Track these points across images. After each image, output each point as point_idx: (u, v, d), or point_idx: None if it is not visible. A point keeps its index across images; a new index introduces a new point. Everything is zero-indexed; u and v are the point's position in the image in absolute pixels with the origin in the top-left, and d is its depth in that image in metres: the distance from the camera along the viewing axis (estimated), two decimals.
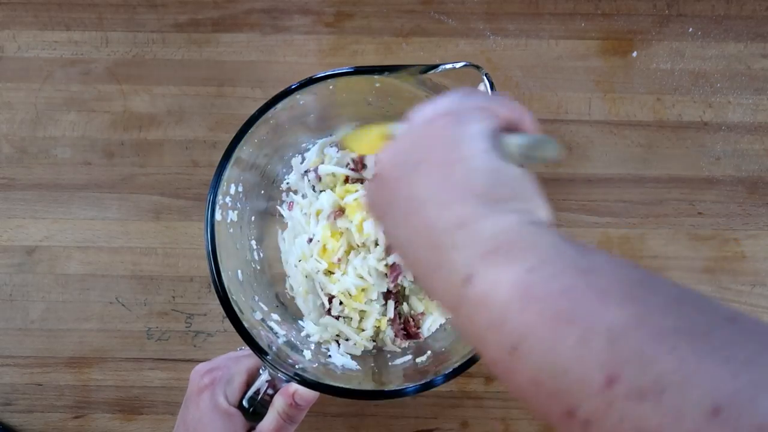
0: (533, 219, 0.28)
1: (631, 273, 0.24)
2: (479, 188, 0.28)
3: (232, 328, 0.44)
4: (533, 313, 0.24)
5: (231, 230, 0.49)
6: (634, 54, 0.63)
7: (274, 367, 0.43)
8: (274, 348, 0.46)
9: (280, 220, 0.56)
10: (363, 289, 0.51)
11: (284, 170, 0.56)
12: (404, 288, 0.54)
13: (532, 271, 0.25)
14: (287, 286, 0.55)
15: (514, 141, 0.30)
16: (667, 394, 0.20)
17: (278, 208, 0.56)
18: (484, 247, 0.26)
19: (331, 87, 0.47)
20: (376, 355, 0.53)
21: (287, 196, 0.57)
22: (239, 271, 0.49)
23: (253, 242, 0.54)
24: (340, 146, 0.55)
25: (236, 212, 0.50)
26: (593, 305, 0.23)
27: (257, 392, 0.47)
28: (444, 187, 0.29)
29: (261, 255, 0.55)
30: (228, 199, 0.48)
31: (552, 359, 0.23)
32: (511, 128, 0.32)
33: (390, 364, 0.52)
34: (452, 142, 0.30)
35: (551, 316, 0.23)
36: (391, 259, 0.51)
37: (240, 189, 0.49)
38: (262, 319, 0.49)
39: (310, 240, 0.53)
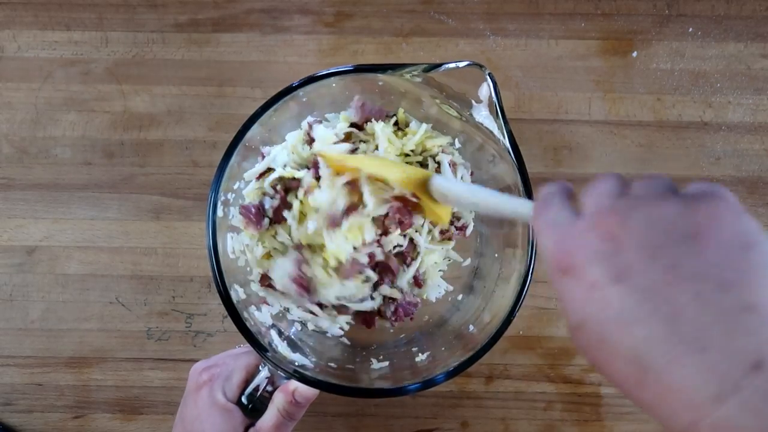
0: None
1: None
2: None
3: (232, 328, 0.44)
4: None
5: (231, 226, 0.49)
6: (634, 54, 0.63)
7: (274, 364, 0.43)
8: (273, 345, 0.46)
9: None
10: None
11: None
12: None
13: None
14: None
15: None
16: None
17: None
18: None
19: (334, 85, 0.47)
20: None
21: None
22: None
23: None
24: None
25: (237, 209, 0.50)
26: None
27: (256, 389, 0.47)
28: (704, 327, 0.22)
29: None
30: (230, 195, 0.48)
31: None
32: None
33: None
34: (743, 243, 0.23)
35: None
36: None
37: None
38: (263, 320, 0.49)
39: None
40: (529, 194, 0.45)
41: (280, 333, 0.49)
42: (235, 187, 0.49)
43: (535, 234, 0.31)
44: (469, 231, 0.54)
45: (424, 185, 0.43)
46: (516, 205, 0.35)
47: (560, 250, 0.27)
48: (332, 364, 0.50)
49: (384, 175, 0.44)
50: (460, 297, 0.55)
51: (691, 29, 0.64)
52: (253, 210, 0.49)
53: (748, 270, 0.23)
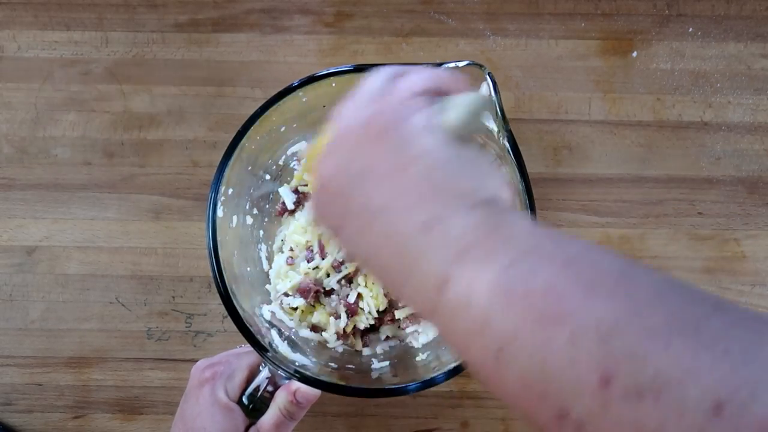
0: (501, 206, 0.26)
1: (613, 263, 0.23)
2: (439, 185, 0.26)
3: (232, 328, 0.45)
4: (517, 313, 0.22)
5: (232, 226, 0.49)
6: (634, 54, 0.63)
7: (275, 364, 0.43)
8: (274, 345, 0.46)
9: (279, 219, 0.56)
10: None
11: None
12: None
13: (510, 268, 0.23)
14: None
15: (453, 117, 0.28)
16: (666, 393, 0.19)
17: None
18: (456, 248, 0.25)
19: (334, 85, 0.47)
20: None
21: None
22: (239, 268, 0.49)
23: (255, 239, 0.54)
24: (305, 170, 0.52)
25: (237, 209, 0.50)
26: (580, 301, 0.22)
27: (257, 389, 0.47)
28: (400, 191, 0.27)
29: (261, 252, 0.55)
30: (230, 193, 0.48)
31: (541, 361, 0.22)
32: (440, 95, 0.30)
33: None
34: (399, 143, 0.28)
35: (537, 315, 0.22)
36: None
37: (241, 186, 0.50)
38: (262, 317, 0.49)
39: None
40: (529, 194, 0.45)
41: (280, 333, 0.49)
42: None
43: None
44: None
45: None
46: None
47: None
48: (332, 364, 0.50)
49: None
50: None
51: (691, 29, 0.64)
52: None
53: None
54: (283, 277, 0.52)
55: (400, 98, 0.29)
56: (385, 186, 0.27)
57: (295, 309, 0.51)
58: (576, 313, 0.22)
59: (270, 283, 0.54)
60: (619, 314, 0.21)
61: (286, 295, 0.51)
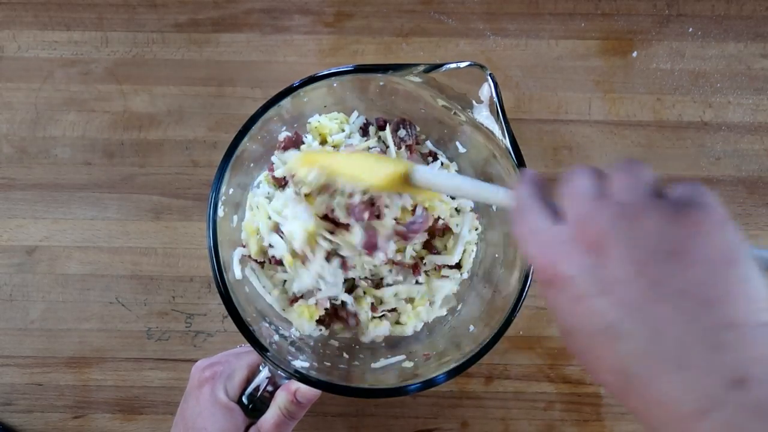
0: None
1: None
2: (754, 294, 0.23)
3: (232, 328, 0.44)
4: None
5: (232, 226, 0.49)
6: (634, 54, 0.63)
7: (275, 364, 0.43)
8: (274, 345, 0.46)
9: None
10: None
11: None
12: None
13: None
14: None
15: (761, 255, 0.24)
16: None
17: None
18: (761, 351, 0.22)
19: (335, 85, 0.47)
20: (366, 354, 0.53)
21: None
22: (239, 268, 0.49)
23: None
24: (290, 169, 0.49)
25: (237, 208, 0.50)
26: None
27: (257, 389, 0.47)
28: (715, 282, 0.23)
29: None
30: (231, 193, 0.48)
31: None
32: None
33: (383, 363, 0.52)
34: (727, 241, 0.23)
35: None
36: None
37: (242, 186, 0.49)
38: (263, 316, 0.49)
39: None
40: None
41: (279, 332, 0.49)
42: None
43: (518, 242, 0.30)
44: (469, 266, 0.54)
45: (407, 178, 0.41)
46: (494, 192, 0.36)
47: (544, 260, 0.27)
48: (331, 364, 0.50)
49: (361, 179, 0.43)
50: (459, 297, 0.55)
51: (691, 29, 0.64)
52: None
53: (731, 287, 0.23)
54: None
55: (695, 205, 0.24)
56: (702, 273, 0.23)
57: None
58: None
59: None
60: None
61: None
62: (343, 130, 0.52)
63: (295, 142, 0.51)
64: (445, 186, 0.40)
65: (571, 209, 0.27)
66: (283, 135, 0.51)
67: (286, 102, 0.46)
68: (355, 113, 0.53)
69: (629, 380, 0.23)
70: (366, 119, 0.53)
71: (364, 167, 0.43)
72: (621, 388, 0.24)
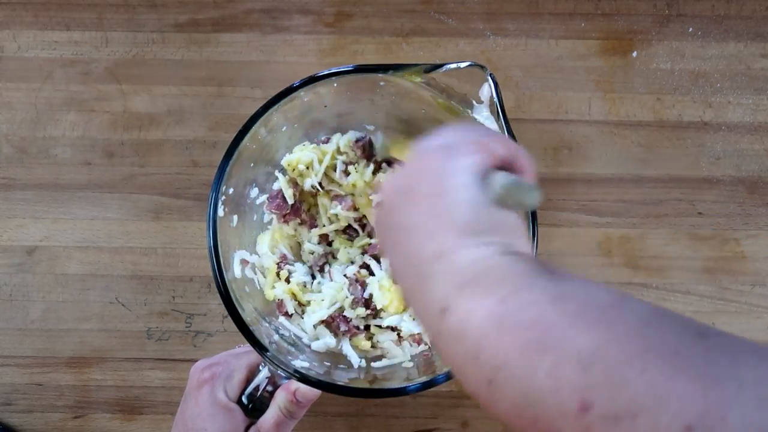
0: (510, 250, 0.28)
1: (602, 297, 0.25)
2: (459, 220, 0.29)
3: (232, 328, 0.44)
4: (506, 343, 0.24)
5: (232, 226, 0.49)
6: (634, 54, 0.63)
7: (274, 364, 0.43)
8: (274, 345, 0.46)
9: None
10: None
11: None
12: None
13: (504, 302, 0.25)
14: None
15: (497, 181, 0.30)
16: (641, 418, 0.20)
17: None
18: (460, 278, 0.27)
19: (335, 85, 0.47)
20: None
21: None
22: (239, 268, 0.49)
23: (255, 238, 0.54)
24: (384, 153, 0.53)
25: (237, 208, 0.50)
26: (564, 332, 0.23)
27: (256, 389, 0.47)
28: (429, 217, 0.29)
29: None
30: (231, 193, 0.48)
31: (528, 388, 0.23)
32: (505, 168, 0.32)
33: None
34: (440, 174, 0.30)
35: (523, 345, 0.24)
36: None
37: (241, 186, 0.49)
38: (263, 316, 0.49)
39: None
40: None
41: (279, 332, 0.49)
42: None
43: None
44: None
45: None
46: None
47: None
48: (331, 363, 0.50)
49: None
50: None
51: (691, 29, 0.64)
52: None
53: (440, 219, 0.30)
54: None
55: (467, 141, 0.31)
56: (419, 208, 0.30)
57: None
58: (559, 343, 0.23)
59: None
60: (599, 343, 0.22)
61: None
62: (320, 162, 0.52)
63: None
64: None
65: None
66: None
67: (285, 102, 0.46)
68: (339, 136, 0.53)
69: (406, 226, 0.30)
70: (360, 136, 0.53)
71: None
72: (401, 234, 0.31)
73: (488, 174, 0.31)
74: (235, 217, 0.50)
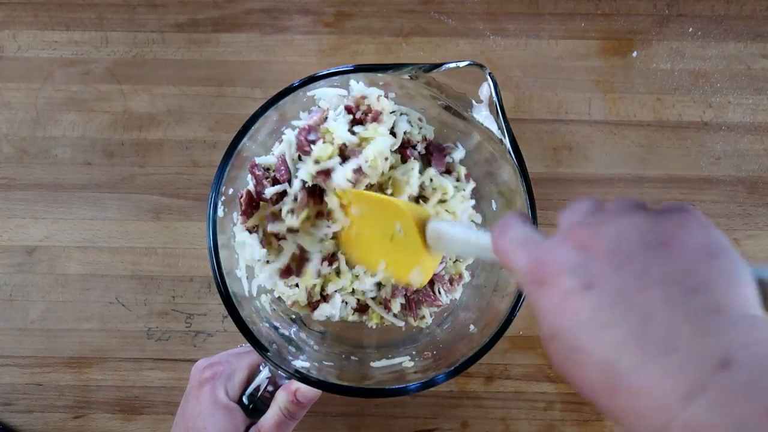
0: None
1: None
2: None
3: (232, 328, 0.44)
4: None
5: (232, 225, 0.49)
6: (634, 54, 0.63)
7: (275, 364, 0.43)
8: (274, 345, 0.46)
9: None
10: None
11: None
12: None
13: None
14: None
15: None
16: None
17: None
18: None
19: (336, 84, 0.47)
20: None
21: None
22: (239, 268, 0.49)
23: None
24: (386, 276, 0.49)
25: (237, 208, 0.50)
26: None
27: (257, 389, 0.47)
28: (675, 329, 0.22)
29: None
30: (231, 193, 0.48)
31: None
32: None
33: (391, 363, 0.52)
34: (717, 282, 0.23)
35: None
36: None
37: (242, 186, 0.49)
38: (263, 317, 0.49)
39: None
40: (530, 194, 0.45)
41: (278, 330, 0.49)
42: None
43: (501, 255, 0.31)
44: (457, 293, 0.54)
45: (423, 224, 0.41)
46: None
47: (534, 262, 0.27)
48: (332, 363, 0.50)
49: (390, 200, 0.44)
50: (460, 297, 0.55)
51: (691, 29, 0.64)
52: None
53: (716, 276, 0.23)
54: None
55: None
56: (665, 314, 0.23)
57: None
58: None
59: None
60: None
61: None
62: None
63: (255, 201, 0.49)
64: (460, 243, 0.38)
65: (566, 221, 0.28)
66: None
67: (285, 102, 0.46)
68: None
69: (614, 372, 0.23)
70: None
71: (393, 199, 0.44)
72: (605, 384, 0.23)
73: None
74: (235, 214, 0.50)
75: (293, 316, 0.52)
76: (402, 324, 0.53)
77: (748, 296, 0.23)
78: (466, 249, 0.38)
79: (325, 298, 0.50)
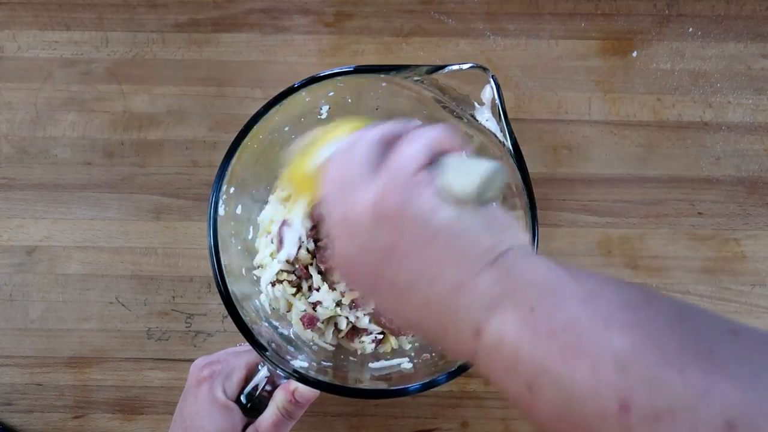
0: (521, 252, 0.28)
1: (631, 295, 0.25)
2: (460, 252, 0.28)
3: (232, 328, 0.44)
4: (543, 349, 0.25)
5: (232, 223, 0.49)
6: (634, 54, 0.63)
7: (273, 363, 0.43)
8: (273, 345, 0.46)
9: None
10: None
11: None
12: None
13: (534, 310, 0.26)
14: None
15: (467, 188, 0.29)
16: (681, 416, 0.21)
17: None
18: (485, 300, 0.27)
19: (340, 84, 0.47)
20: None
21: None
22: (239, 268, 0.49)
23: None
24: (284, 182, 0.50)
25: (239, 207, 0.50)
26: (599, 334, 0.24)
27: (255, 388, 0.47)
28: (427, 263, 0.29)
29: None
30: (231, 192, 0.48)
31: (567, 392, 0.24)
32: (442, 153, 0.31)
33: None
34: (415, 219, 0.29)
35: (560, 350, 0.24)
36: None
37: (241, 186, 0.49)
38: (263, 316, 0.49)
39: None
40: (530, 194, 0.45)
41: (277, 330, 0.49)
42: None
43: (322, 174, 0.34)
44: None
45: None
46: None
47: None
48: (330, 364, 0.50)
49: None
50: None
51: (691, 29, 0.64)
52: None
53: (442, 262, 0.29)
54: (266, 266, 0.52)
55: (405, 173, 0.30)
56: (413, 260, 0.29)
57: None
58: (595, 346, 0.23)
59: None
60: (635, 344, 0.23)
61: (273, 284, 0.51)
62: None
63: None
64: None
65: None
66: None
67: (286, 102, 0.46)
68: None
69: (433, 230, 0.29)
70: None
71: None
72: (422, 239, 0.29)
73: (440, 173, 0.29)
74: (237, 210, 0.50)
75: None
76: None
77: (475, 250, 0.29)
78: None
79: None
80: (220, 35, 0.63)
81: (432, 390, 0.44)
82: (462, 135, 0.32)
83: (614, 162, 0.62)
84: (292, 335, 0.50)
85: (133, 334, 0.60)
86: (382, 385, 0.47)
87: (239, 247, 0.51)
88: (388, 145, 0.32)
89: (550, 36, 0.64)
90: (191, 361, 0.51)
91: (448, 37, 0.63)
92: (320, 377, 0.44)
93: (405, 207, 0.29)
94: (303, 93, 0.46)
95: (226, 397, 0.46)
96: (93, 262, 0.60)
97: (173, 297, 0.60)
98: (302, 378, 0.43)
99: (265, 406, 0.46)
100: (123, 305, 0.60)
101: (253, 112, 0.46)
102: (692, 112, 0.63)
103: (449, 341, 0.29)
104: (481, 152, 0.51)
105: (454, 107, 0.47)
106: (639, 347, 0.22)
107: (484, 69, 0.44)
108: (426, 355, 0.50)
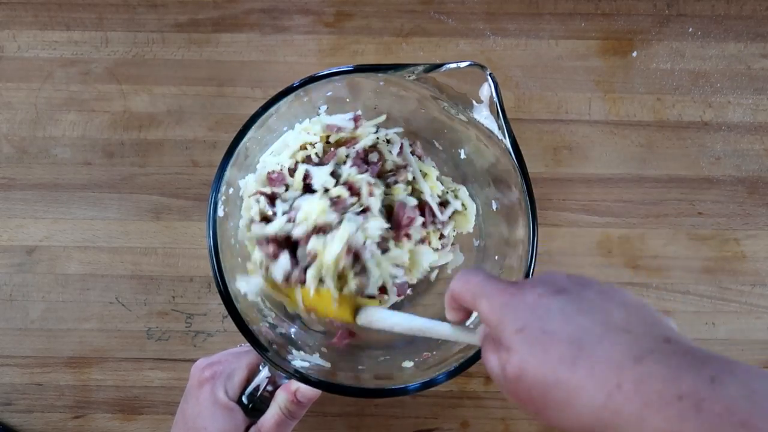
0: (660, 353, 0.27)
1: None
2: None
3: (232, 328, 0.44)
4: None
5: (231, 224, 0.49)
6: (634, 54, 0.64)
7: (274, 364, 0.43)
8: (274, 345, 0.46)
9: None
10: None
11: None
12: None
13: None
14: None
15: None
16: None
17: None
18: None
19: (338, 84, 0.47)
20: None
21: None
22: (239, 267, 0.49)
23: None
24: (305, 310, 0.50)
25: (237, 208, 0.50)
26: None
27: (257, 388, 0.47)
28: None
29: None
30: (231, 193, 0.48)
31: None
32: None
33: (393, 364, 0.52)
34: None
35: None
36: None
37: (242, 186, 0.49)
38: (263, 316, 0.49)
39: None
40: (530, 195, 0.45)
41: (277, 330, 0.49)
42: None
43: (464, 295, 0.35)
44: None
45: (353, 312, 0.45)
46: (444, 330, 0.39)
47: (505, 285, 0.32)
48: (330, 364, 0.50)
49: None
50: None
51: (691, 29, 0.64)
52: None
53: (655, 318, 0.30)
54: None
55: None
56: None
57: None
58: None
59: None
60: None
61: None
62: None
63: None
64: (392, 325, 0.43)
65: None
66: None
67: (285, 102, 0.46)
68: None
69: (580, 345, 0.28)
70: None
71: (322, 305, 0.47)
72: (570, 356, 0.28)
73: None
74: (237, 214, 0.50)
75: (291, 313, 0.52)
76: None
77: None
78: (414, 332, 0.42)
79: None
80: (220, 35, 0.63)
81: (432, 390, 0.44)
82: None
83: (614, 162, 0.62)
84: (292, 335, 0.50)
85: (133, 334, 0.60)
86: (382, 385, 0.47)
87: (239, 247, 0.51)
88: None
89: (550, 36, 0.64)
90: (191, 361, 0.51)
91: (448, 37, 0.63)
92: (321, 377, 0.44)
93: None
94: (302, 93, 0.46)
95: (227, 398, 0.46)
96: (93, 262, 0.60)
97: (173, 297, 0.60)
98: (303, 378, 0.43)
99: (267, 406, 0.46)
100: (123, 305, 0.60)
101: (253, 112, 0.46)
102: (692, 112, 0.63)
103: None
104: (478, 151, 0.51)
105: (453, 105, 0.47)
106: None
107: (482, 67, 0.44)
108: (426, 354, 0.50)
